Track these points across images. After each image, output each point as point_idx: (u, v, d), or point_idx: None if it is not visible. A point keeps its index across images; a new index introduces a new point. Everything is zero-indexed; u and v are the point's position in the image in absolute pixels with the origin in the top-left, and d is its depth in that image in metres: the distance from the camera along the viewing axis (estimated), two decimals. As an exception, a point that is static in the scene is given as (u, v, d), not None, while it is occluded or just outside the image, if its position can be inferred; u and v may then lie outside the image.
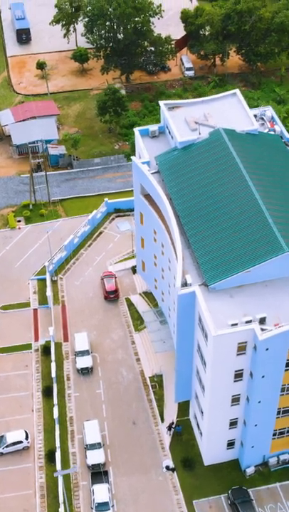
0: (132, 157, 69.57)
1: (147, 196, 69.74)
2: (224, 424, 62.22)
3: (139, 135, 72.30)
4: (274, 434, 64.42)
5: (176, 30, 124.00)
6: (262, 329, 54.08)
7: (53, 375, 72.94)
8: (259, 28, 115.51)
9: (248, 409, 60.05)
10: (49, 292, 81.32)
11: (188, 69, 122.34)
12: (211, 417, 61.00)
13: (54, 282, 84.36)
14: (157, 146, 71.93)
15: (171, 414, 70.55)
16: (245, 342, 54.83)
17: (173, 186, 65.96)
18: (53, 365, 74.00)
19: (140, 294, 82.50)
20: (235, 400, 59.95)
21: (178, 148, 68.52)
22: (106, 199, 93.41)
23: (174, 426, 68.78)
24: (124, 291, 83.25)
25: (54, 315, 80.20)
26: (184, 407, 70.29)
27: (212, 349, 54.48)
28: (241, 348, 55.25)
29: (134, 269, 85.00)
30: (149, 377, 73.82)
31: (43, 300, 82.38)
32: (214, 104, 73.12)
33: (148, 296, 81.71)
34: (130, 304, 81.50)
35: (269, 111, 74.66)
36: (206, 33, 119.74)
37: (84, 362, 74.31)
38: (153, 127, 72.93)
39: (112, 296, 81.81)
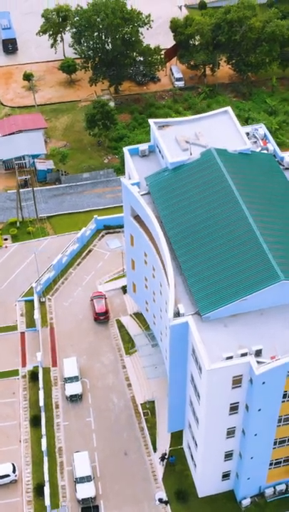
0: (122, 178, 67.31)
1: (138, 218, 67.48)
2: (219, 457, 60.01)
3: (128, 155, 70.02)
4: (270, 464, 62.27)
5: (166, 39, 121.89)
6: (258, 362, 51.89)
7: (41, 403, 70.46)
8: (250, 37, 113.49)
9: (244, 442, 57.85)
10: (37, 315, 78.83)
11: (178, 79, 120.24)
12: (205, 449, 58.76)
13: (42, 303, 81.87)
14: (147, 165, 69.70)
15: (164, 443, 68.24)
16: (241, 375, 52.63)
17: (164, 209, 63.74)
18: (41, 392, 71.53)
19: (131, 316, 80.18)
20: (231, 432, 57.74)
21: (169, 168, 66.30)
22: (95, 216, 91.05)
23: (166, 457, 66.48)
24: (114, 312, 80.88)
25: (42, 338, 77.73)
26: (177, 435, 67.97)
27: (206, 383, 52.25)
28: (236, 382, 53.05)
29: (124, 289, 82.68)
30: (141, 404, 71.48)
31: (30, 323, 79.88)
32: (205, 123, 70.97)
33: (139, 317, 79.41)
34: (121, 326, 79.15)
35: (261, 128, 72.57)
36: (196, 43, 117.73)
37: (73, 389, 71.82)
38: (143, 146, 70.66)
39: (102, 318, 79.45)
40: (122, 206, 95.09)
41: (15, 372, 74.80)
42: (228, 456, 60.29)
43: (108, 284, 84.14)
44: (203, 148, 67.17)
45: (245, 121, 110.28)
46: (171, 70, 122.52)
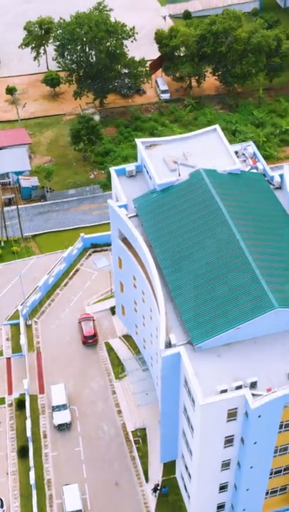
0: (109, 201, 65.28)
1: (126, 240, 65.54)
2: (214, 488, 58.05)
3: (115, 175, 68.09)
4: (266, 494, 60.46)
5: (150, 50, 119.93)
6: (253, 394, 50.05)
7: (29, 433, 68.14)
8: (235, 49, 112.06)
9: (239, 475, 55.97)
10: (23, 340, 76.55)
11: (164, 91, 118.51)
12: (199, 482, 56.80)
13: (28, 327, 79.56)
14: (135, 186, 67.79)
15: (157, 472, 66.22)
16: (236, 408, 50.74)
17: (153, 232, 61.83)
18: (28, 422, 69.22)
19: (120, 338, 78.15)
20: (226, 464, 55.83)
21: (157, 190, 64.43)
22: (82, 234, 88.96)
23: (159, 488, 64.47)
24: (103, 335, 78.79)
25: (29, 364, 75.39)
26: (169, 464, 65.83)
27: (200, 417, 50.32)
28: (231, 415, 51.15)
29: (113, 310, 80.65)
30: (132, 432, 69.37)
31: (16, 348, 77.54)
32: (193, 142, 69.21)
33: (129, 339, 77.37)
34: (110, 349, 77.05)
35: (251, 147, 70.90)
36: (181, 55, 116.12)
37: (61, 418, 69.58)
38: (130, 167, 68.73)
39: (90, 341, 77.32)
40: (109, 223, 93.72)
41: (1, 401, 72.47)
42: (223, 487, 58.36)
43: (96, 305, 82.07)
44: (191, 169, 65.39)
45: (232, 133, 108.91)
46: (156, 82, 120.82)
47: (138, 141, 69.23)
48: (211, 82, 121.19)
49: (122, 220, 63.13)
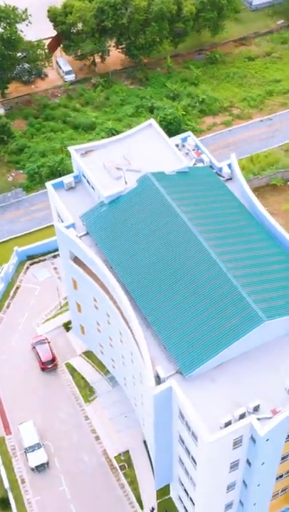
0: (54, 223, 59.07)
1: (78, 260, 59.94)
2: (219, 510, 55.27)
3: (53, 191, 61.78)
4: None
5: (43, 28, 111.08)
6: (258, 419, 46.87)
7: (6, 484, 62.63)
8: (137, 19, 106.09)
9: (246, 493, 53.30)
10: (-23, 378, 70.22)
11: (68, 72, 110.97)
12: (205, 508, 53.74)
13: (-22, 361, 73.06)
14: (76, 199, 61.83)
15: (150, 496, 62.80)
16: (241, 436, 47.51)
17: (110, 252, 56.55)
18: (3, 469, 63.64)
19: (81, 356, 73.02)
20: (231, 486, 52.93)
21: (105, 203, 58.88)
22: (16, 248, 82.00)
23: (152, 510, 61.30)
24: (61, 355, 73.33)
25: (-12, 403, 69.36)
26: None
27: (206, 454, 46.75)
28: (236, 443, 47.87)
29: (67, 326, 75.25)
30: (115, 458, 65.28)
31: None
32: (131, 142, 63.74)
33: (90, 356, 72.43)
34: (73, 370, 71.86)
35: (190, 138, 66.18)
36: (80, 31, 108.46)
37: (37, 458, 64.37)
38: (68, 179, 62.48)
39: (50, 367, 71.76)
40: (41, 229, 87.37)
41: None
42: (229, 506, 55.72)
43: (47, 324, 76.20)
44: (137, 174, 60.22)
45: (149, 111, 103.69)
46: (57, 63, 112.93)
47: (71, 149, 62.96)
48: (115, 56, 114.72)
49: (73, 242, 57.39)
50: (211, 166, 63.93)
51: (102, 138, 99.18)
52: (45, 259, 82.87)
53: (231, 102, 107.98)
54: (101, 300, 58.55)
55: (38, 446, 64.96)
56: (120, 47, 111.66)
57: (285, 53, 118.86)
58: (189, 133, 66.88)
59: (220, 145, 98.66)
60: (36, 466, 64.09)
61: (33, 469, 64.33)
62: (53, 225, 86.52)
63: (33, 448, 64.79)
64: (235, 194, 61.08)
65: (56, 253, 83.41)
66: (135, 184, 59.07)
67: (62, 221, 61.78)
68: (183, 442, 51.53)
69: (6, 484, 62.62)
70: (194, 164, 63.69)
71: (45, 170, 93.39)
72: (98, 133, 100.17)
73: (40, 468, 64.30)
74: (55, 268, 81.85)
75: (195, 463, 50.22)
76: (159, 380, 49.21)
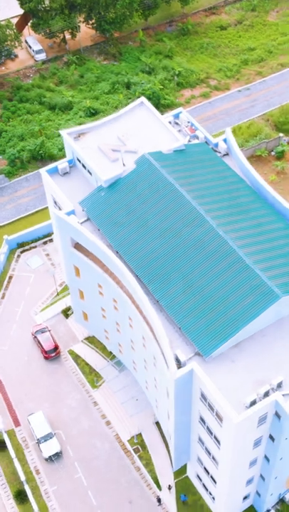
0: (55, 211, 57.61)
1: (80, 247, 58.81)
2: (241, 486, 55.64)
3: (48, 177, 60.24)
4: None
5: (8, 6, 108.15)
6: (283, 395, 46.92)
7: (22, 477, 61.99)
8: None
9: (268, 467, 53.64)
10: (-20, 372, 69.00)
11: (38, 52, 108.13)
12: (229, 487, 53.94)
13: (-22, 355, 71.76)
14: (73, 185, 60.56)
15: (167, 476, 62.86)
16: (266, 413, 47.56)
17: (114, 237, 55.54)
18: (17, 464, 62.92)
19: (83, 342, 72.27)
20: (253, 462, 53.19)
21: (104, 187, 57.66)
22: (5, 236, 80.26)
23: (170, 487, 61.53)
24: (63, 343, 72.50)
25: (-7, 396, 68.32)
26: (176, 464, 62.86)
27: (233, 434, 46.69)
28: (261, 420, 47.93)
29: (65, 313, 74.31)
30: (128, 441, 65.09)
31: (-27, 382, 69.91)
32: (124, 122, 62.35)
33: (93, 341, 71.81)
34: (76, 357, 71.12)
35: (182, 114, 65.05)
36: (48, 9, 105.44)
37: (50, 448, 63.80)
38: (62, 164, 61.02)
39: (53, 355, 70.80)
40: (28, 216, 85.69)
41: (-24, 447, 65.44)
42: (250, 481, 56.12)
43: (46, 312, 75.06)
44: (134, 155, 59.05)
45: (126, 87, 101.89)
46: (26, 42, 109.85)
47: (63, 132, 61.33)
48: (85, 31, 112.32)
49: (75, 230, 56.18)
50: (206, 142, 63.04)
51: (81, 117, 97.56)
52: (36, 246, 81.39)
53: (207, 74, 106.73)
54: (107, 286, 57.67)
55: (50, 435, 64.36)
56: (90, 22, 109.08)
57: (255, 21, 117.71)
58: (181, 109, 65.70)
59: (201, 118, 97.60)
60: (50, 456, 63.56)
61: (47, 459, 63.81)
62: (40, 211, 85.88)
63: (45, 438, 64.17)
64: (234, 169, 60.40)
65: (47, 239, 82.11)
66: (133, 166, 57.91)
67: (59, 208, 60.49)
68: (204, 422, 51.44)
69: (22, 477, 61.88)
70: (189, 141, 62.73)
71: (25, 154, 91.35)
72: (76, 112, 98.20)
73: (54, 457, 63.81)
74: (47, 254, 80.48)
75: (218, 442, 50.23)
76: (178, 364, 48.80)
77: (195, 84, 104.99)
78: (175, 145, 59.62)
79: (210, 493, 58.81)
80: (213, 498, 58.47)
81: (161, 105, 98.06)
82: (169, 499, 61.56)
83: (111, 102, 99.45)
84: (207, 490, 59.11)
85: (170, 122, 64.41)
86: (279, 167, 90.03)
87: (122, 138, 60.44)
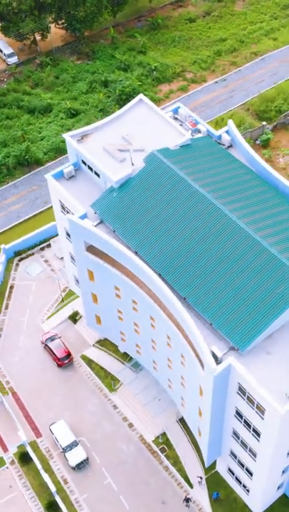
0: (68, 215, 56.49)
1: (94, 250, 57.87)
2: (277, 476, 55.80)
3: (55, 182, 59.15)
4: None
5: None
6: None
7: (52, 488, 60.88)
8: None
9: (304, 454, 53.98)
10: (-6, 386, 67.53)
11: (10, 55, 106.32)
12: (267, 478, 54.02)
13: (-12, 368, 70.21)
14: (80, 188, 59.59)
15: (197, 473, 62.62)
16: (306, 401, 47.75)
17: (132, 238, 54.88)
18: (46, 476, 61.74)
19: (95, 346, 71.41)
20: (290, 451, 53.48)
21: (115, 188, 56.90)
22: (2, 245, 78.66)
23: (201, 478, 61.43)
24: (74, 348, 71.46)
25: (10, 409, 66.68)
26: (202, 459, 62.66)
27: (277, 426, 46.67)
28: (302, 408, 48.11)
29: (73, 319, 73.30)
30: (153, 442, 64.61)
31: (-12, 397, 68.33)
32: (126, 121, 61.60)
33: (105, 344, 71.00)
34: (89, 361, 70.20)
35: (182, 108, 64.67)
36: (17, 11, 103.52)
37: (77, 456, 62.86)
38: (67, 168, 59.97)
39: (66, 362, 69.77)
40: (22, 223, 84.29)
41: (0, 462, 63.99)
42: (285, 471, 56.31)
43: (52, 319, 73.90)
44: (141, 153, 58.42)
45: (104, 85, 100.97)
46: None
47: (66, 136, 60.24)
48: (54, 32, 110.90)
49: (90, 233, 55.29)
50: (208, 135, 62.81)
51: (62, 119, 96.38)
52: (33, 254, 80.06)
53: (183, 67, 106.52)
54: (125, 288, 56.97)
55: (74, 443, 63.45)
56: (60, 22, 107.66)
57: (223, 11, 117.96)
58: (180, 104, 65.31)
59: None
60: (77, 465, 62.66)
61: (74, 468, 62.90)
62: (33, 217, 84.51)
63: (70, 446, 63.22)
64: (241, 161, 60.34)
65: (43, 245, 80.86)
66: (143, 164, 57.32)
67: (67, 213, 59.51)
68: (240, 416, 51.34)
69: (52, 488, 60.77)
70: (192, 135, 62.36)
71: (11, 160, 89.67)
72: (57, 114, 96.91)
73: (82, 465, 62.95)
74: (46, 261, 79.24)
75: (258, 435, 50.19)
76: (215, 360, 48.54)
77: (172, 79, 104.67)
78: (181, 140, 59.17)
79: (244, 486, 58.87)
80: (248, 491, 58.52)
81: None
82: (202, 494, 61.38)
83: (90, 101, 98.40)
84: (240, 483, 59.12)
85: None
86: (266, 155, 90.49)
87: (127, 137, 59.70)
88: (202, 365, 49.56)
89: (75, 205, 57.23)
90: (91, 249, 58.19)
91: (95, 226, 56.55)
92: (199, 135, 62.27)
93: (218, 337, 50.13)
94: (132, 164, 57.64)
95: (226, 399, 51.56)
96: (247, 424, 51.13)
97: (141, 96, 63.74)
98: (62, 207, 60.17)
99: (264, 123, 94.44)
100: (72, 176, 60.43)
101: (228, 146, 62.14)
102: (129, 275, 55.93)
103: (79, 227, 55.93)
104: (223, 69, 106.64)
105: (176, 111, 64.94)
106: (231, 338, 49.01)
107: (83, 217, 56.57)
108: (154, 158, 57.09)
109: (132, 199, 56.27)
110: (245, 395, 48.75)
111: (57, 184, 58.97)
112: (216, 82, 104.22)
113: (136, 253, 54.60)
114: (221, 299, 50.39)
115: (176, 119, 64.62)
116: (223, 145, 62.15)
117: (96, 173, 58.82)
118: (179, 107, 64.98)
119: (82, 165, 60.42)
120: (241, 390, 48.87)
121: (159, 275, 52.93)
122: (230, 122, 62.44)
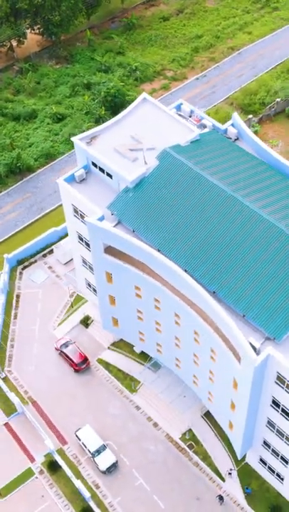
0: (87, 218, 56.08)
1: (112, 252, 57.57)
2: (312, 461, 56.51)
3: (67, 186, 58.67)
4: None
5: None
6: None
7: (86, 494, 60.29)
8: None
9: None
10: (13, 397, 66.40)
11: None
12: (303, 463, 54.72)
13: (5, 380, 69.09)
14: (92, 190, 59.22)
15: (227, 466, 62.84)
16: None
17: (153, 236, 54.83)
18: (77, 481, 61.17)
19: (110, 348, 71.02)
20: None
21: (130, 188, 56.73)
22: (5, 255, 77.65)
23: (231, 471, 61.69)
24: (89, 352, 70.89)
25: (33, 419, 65.78)
26: (233, 451, 63.00)
27: None
28: None
29: (85, 323, 72.77)
30: (180, 439, 64.61)
31: (8, 409, 67.16)
32: (133, 120, 61.48)
33: (120, 346, 70.69)
34: (107, 365, 69.79)
35: (184, 105, 64.81)
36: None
37: (106, 460, 62.42)
38: (78, 171, 59.54)
39: (84, 367, 69.24)
40: (21, 231, 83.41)
41: (29, 473, 63.07)
42: None
43: (64, 325, 73.24)
44: (152, 151, 58.37)
45: (86, 88, 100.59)
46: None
47: (75, 140, 59.78)
48: (30, 38, 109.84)
49: (110, 234, 55.01)
50: (214, 130, 63.10)
51: (49, 124, 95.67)
52: (35, 261, 79.23)
53: (162, 65, 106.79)
54: (147, 287, 56.85)
55: (102, 448, 63.00)
56: (36, 27, 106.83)
57: (196, 8, 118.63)
58: (182, 100, 65.46)
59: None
60: (107, 468, 62.23)
61: (104, 472, 62.45)
62: (30, 225, 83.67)
63: (98, 451, 62.74)
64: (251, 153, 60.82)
65: (45, 252, 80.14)
66: (156, 162, 57.29)
67: (81, 216, 59.12)
68: (277, 406, 51.71)
69: (86, 494, 60.20)
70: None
71: (2, 168, 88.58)
72: (42, 120, 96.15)
73: (112, 469, 62.54)
74: (50, 267, 78.51)
75: (298, 422, 50.72)
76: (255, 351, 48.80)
77: (153, 78, 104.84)
78: (191, 136, 59.34)
79: (277, 475, 59.27)
80: (282, 479, 58.95)
81: (126, 102, 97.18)
82: (235, 488, 61.62)
83: (75, 105, 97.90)
84: (274, 472, 59.52)
85: (175, 115, 63.97)
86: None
87: (136, 136, 59.60)
88: (237, 358, 49.78)
89: (91, 208, 56.84)
90: (109, 250, 57.94)
91: (114, 227, 56.27)
92: (205, 130, 62.46)
93: (252, 328, 50.42)
94: (145, 163, 57.54)
95: (261, 389, 51.87)
96: (285, 413, 51.51)
97: (144, 95, 63.70)
98: (75, 211, 59.70)
99: (250, 116, 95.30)
100: (84, 179, 60.00)
101: (235, 139, 62.53)
102: (150, 274, 55.85)
103: (98, 229, 55.60)
104: (202, 65, 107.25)
105: (178, 107, 65.07)
106: (266, 329, 49.35)
107: (101, 219, 56.23)
108: (168, 156, 57.13)
109: (148, 198, 56.19)
110: (284, 384, 49.12)
111: (70, 188, 58.51)
112: (197, 79, 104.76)
113: (159, 251, 54.52)
114: (252, 290, 50.71)
115: (179, 115, 64.67)
116: (230, 138, 62.51)
117: (108, 175, 58.56)
118: (181, 104, 65.12)
119: (93, 167, 60.06)
120: (280, 379, 49.22)
121: (185, 271, 52.97)
122: (235, 115, 62.88)
